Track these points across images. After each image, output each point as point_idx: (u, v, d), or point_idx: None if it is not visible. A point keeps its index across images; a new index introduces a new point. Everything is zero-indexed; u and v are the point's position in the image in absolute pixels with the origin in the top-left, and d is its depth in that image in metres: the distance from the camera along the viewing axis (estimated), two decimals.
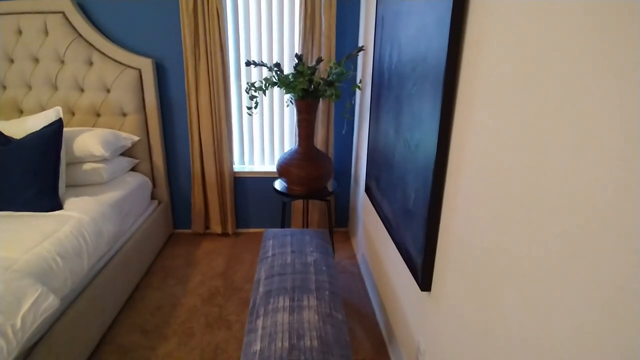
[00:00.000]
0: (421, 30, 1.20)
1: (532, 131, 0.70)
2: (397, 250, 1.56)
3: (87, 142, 2.08)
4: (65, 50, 2.31)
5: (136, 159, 2.52)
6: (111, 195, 2.05)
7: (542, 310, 0.67)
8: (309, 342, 1.15)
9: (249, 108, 2.15)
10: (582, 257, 0.58)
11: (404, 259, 1.41)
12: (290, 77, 2.00)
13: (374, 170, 1.88)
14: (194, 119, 2.53)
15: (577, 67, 0.59)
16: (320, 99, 2.16)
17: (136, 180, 2.38)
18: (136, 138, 2.43)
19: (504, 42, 0.79)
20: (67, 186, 2.06)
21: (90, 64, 2.36)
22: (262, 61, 2.07)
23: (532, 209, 0.70)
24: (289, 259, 1.61)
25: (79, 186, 2.10)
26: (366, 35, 2.26)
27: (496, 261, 0.82)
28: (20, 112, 2.39)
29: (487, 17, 0.87)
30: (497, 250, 0.82)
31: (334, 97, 2.00)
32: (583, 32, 0.58)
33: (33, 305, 1.27)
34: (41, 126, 1.92)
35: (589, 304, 0.57)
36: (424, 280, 1.21)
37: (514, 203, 0.76)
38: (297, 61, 2.01)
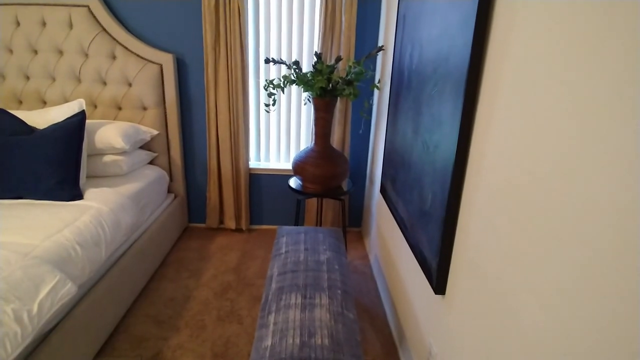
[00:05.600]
0: (444, 30, 1.19)
1: (556, 136, 0.68)
2: (411, 252, 1.55)
3: (108, 135, 2.12)
4: (90, 43, 2.36)
5: (154, 152, 2.57)
6: (129, 187, 2.09)
7: (561, 318, 0.65)
8: (320, 340, 1.14)
9: (267, 105, 2.16)
10: (603, 265, 0.56)
11: (418, 261, 1.39)
12: (309, 75, 2.00)
13: (391, 171, 1.86)
14: (212, 114, 2.55)
15: (608, 71, 0.57)
16: (338, 97, 2.16)
17: (154, 173, 2.42)
18: (155, 132, 2.47)
19: (530, 44, 0.78)
20: (87, 177, 2.10)
21: (113, 58, 2.40)
22: (281, 59, 2.07)
23: (553, 215, 0.68)
24: (302, 257, 1.61)
25: (98, 177, 2.15)
26: (386, 34, 2.24)
27: (514, 266, 0.81)
28: (44, 103, 2.45)
29: (513, 19, 0.85)
30: (515, 255, 0.80)
31: (352, 96, 1.99)
32: (619, 33, 0.56)
33: (51, 292, 1.29)
34: (64, 117, 1.97)
35: (610, 311, 0.55)
36: (439, 284, 1.20)
37: (534, 208, 0.74)
38: (316, 59, 2.01)
